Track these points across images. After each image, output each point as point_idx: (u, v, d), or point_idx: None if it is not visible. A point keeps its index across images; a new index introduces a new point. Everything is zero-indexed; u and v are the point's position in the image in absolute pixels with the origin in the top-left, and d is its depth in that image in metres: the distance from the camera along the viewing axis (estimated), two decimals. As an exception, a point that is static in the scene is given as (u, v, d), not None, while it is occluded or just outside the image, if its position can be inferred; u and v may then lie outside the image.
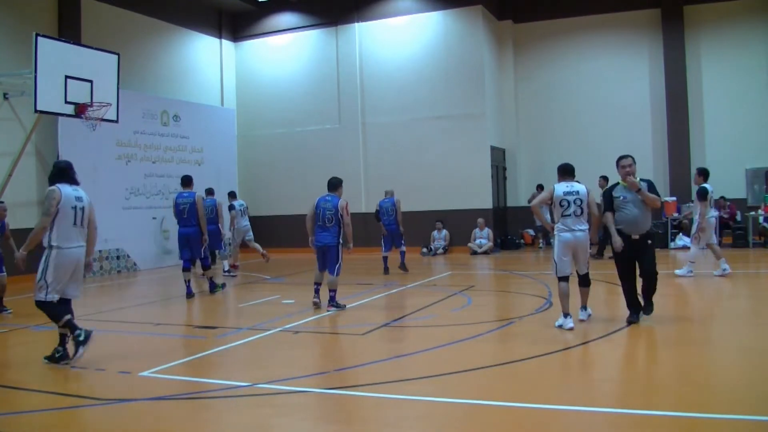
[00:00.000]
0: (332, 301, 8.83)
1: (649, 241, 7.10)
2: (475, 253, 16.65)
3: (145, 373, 5.79)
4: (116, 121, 13.36)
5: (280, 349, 6.82)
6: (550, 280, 11.52)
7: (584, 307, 7.51)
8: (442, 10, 17.82)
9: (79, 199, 6.24)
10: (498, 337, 7.03)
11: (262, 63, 20.03)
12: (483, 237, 16.89)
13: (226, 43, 19.98)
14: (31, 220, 13.77)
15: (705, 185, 11.09)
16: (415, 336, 7.38)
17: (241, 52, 20.28)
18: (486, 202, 17.46)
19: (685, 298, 9.48)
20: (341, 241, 8.84)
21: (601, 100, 18.17)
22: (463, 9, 17.58)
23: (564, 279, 7.19)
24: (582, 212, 7.25)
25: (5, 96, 13.18)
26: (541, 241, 18.03)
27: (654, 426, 4.19)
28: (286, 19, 19.67)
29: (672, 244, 15.91)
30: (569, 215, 7.19)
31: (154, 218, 16.02)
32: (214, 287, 11.05)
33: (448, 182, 17.52)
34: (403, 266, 13.20)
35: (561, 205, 7.26)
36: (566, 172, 7.51)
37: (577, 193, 7.31)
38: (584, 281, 7.38)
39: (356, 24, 18.69)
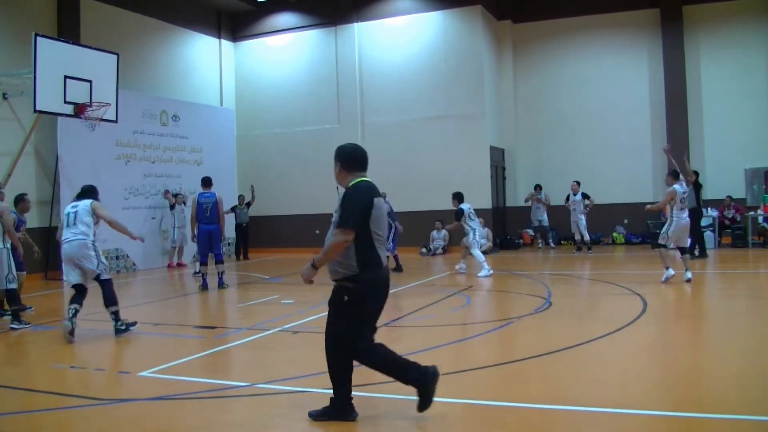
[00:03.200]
0: None
1: (346, 298, 4.24)
2: (474, 253, 16.62)
3: (144, 373, 5.79)
4: (115, 121, 13.35)
5: (280, 349, 6.82)
6: (549, 280, 11.55)
7: (687, 270, 10.14)
8: (441, 10, 17.81)
9: None
10: (497, 337, 7.03)
11: (261, 63, 20.03)
12: (482, 237, 16.84)
13: (226, 43, 19.97)
14: (31, 220, 13.77)
15: (462, 206, 12.73)
16: (414, 336, 7.38)
17: (240, 52, 20.28)
18: (485, 202, 17.45)
19: (683, 299, 9.48)
20: None
21: (601, 100, 18.18)
22: (462, 9, 17.57)
23: (671, 249, 10.43)
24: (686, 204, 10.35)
25: (5, 96, 13.17)
26: (540, 241, 18.04)
27: (654, 426, 4.19)
28: (285, 19, 19.66)
29: (671, 244, 15.88)
30: (684, 207, 10.29)
31: (153, 218, 16.02)
32: (222, 283, 11.68)
33: (447, 182, 17.46)
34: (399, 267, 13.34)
35: (681, 201, 10.24)
36: (678, 175, 10.59)
37: (684, 191, 10.31)
38: (684, 251, 10.41)
39: (355, 24, 18.69)
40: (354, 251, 4.14)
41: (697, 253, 13.53)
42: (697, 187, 13.76)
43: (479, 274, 12.02)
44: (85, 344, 7.63)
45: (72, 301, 7.48)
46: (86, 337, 7.88)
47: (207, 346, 7.01)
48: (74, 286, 7.63)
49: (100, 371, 6.03)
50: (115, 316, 7.63)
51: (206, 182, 11.75)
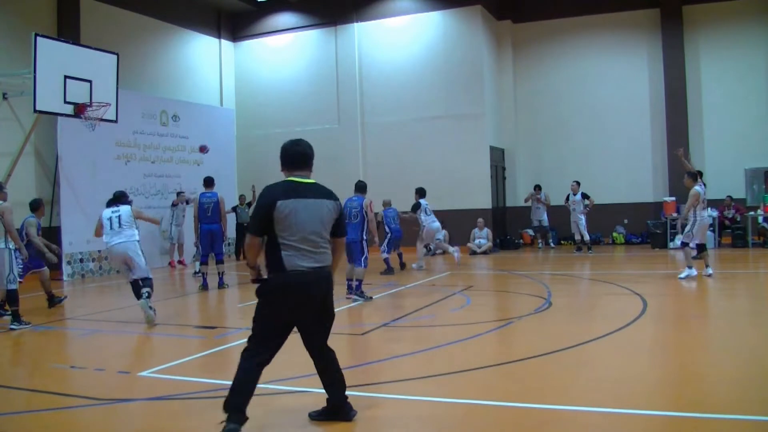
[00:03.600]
0: (357, 290, 9.63)
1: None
2: (474, 253, 16.65)
3: (144, 373, 5.79)
4: (115, 121, 13.35)
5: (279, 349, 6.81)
6: (549, 280, 11.55)
7: (708, 266, 10.75)
8: (441, 10, 17.82)
9: None
10: (497, 337, 7.03)
11: (261, 63, 20.03)
12: (482, 237, 16.88)
13: (225, 43, 19.97)
14: (30, 220, 13.77)
15: (420, 200, 13.51)
16: (414, 336, 7.38)
17: (240, 52, 20.27)
18: (485, 202, 17.46)
19: (683, 299, 9.49)
20: (365, 237, 9.75)
21: (600, 99, 18.18)
22: (462, 9, 17.58)
23: (697, 247, 10.83)
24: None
25: (4, 96, 13.16)
26: (540, 241, 18.04)
27: (654, 426, 4.20)
28: (285, 19, 19.66)
29: (671, 244, 15.93)
30: (706, 207, 10.90)
31: (152, 218, 16.00)
32: (222, 283, 11.75)
33: (447, 182, 17.51)
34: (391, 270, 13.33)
35: (703, 201, 10.72)
36: (696, 176, 10.96)
37: (704, 192, 10.81)
38: (702, 248, 10.93)
39: (355, 24, 18.69)
40: (263, 254, 4.19)
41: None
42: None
43: (413, 266, 13.59)
44: (85, 344, 7.63)
45: (142, 287, 8.26)
46: (86, 337, 7.89)
47: (207, 346, 7.01)
48: (131, 283, 8.42)
49: (99, 371, 6.02)
50: (148, 293, 8.14)
51: (208, 182, 11.78)
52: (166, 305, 10.64)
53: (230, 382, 5.50)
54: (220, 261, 11.76)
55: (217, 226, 11.49)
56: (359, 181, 10.54)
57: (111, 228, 8.32)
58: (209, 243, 11.55)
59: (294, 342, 7.15)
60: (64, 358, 7.01)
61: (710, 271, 10.73)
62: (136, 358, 6.71)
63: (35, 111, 11.79)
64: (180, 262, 16.15)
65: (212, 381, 5.53)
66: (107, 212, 8.44)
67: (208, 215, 11.45)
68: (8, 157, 12.89)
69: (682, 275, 10.55)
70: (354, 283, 9.69)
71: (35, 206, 9.80)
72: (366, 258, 9.74)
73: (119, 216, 8.35)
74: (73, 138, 13.79)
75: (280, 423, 4.54)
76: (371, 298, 9.73)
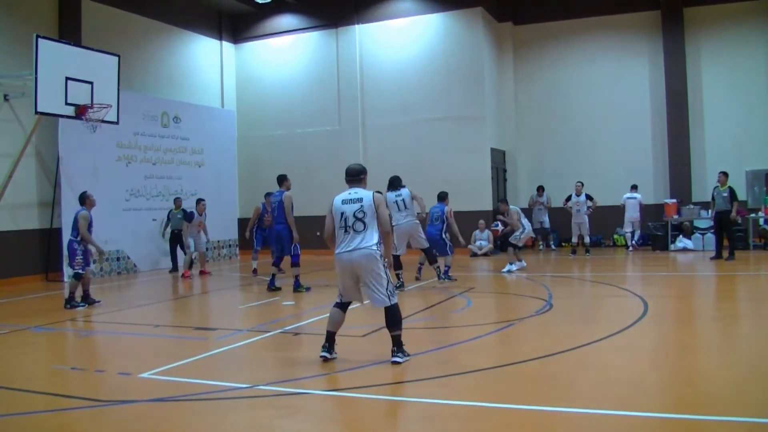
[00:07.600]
0: (444, 274, 11.45)
1: None
2: (475, 254, 16.65)
3: (145, 375, 5.78)
4: (116, 123, 13.35)
5: (281, 351, 6.82)
6: (549, 282, 11.54)
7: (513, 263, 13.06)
8: (442, 12, 17.82)
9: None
10: (498, 339, 7.02)
11: (262, 64, 20.04)
12: (483, 239, 16.88)
13: (226, 45, 19.99)
14: (32, 222, 13.79)
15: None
16: (415, 338, 7.36)
17: (241, 53, 20.29)
18: (486, 203, 17.45)
19: (684, 301, 9.48)
20: (445, 235, 11.73)
21: (601, 101, 18.18)
22: (463, 11, 17.58)
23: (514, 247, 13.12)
24: None
25: (5, 97, 13.17)
26: (540, 243, 18.03)
27: (655, 428, 4.19)
28: (286, 20, 19.68)
29: (672, 246, 15.92)
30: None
31: (154, 220, 15.99)
32: (298, 285, 11.03)
33: (448, 184, 17.35)
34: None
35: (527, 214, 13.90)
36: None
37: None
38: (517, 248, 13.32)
39: (356, 26, 18.70)
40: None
41: (726, 255, 13.57)
42: (731, 190, 13.70)
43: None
44: (85, 345, 7.63)
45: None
46: (87, 338, 7.89)
47: (207, 348, 7.00)
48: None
49: (99, 372, 6.02)
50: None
51: (279, 180, 11.30)
52: (167, 306, 10.65)
53: (231, 384, 5.49)
54: (295, 263, 11.17)
55: (283, 226, 10.98)
56: (441, 191, 12.36)
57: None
58: (277, 244, 11.15)
59: (295, 344, 7.17)
60: (64, 359, 7.01)
61: (514, 267, 12.86)
62: (137, 360, 6.70)
63: (36, 112, 11.78)
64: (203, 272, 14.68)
65: (213, 383, 5.52)
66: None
67: (275, 215, 11.13)
68: (9, 158, 12.90)
69: (505, 270, 12.80)
70: (443, 268, 11.51)
71: (81, 200, 10.45)
72: (451, 247, 11.71)
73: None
74: (74, 139, 13.80)
75: (281, 425, 4.54)
76: (445, 280, 11.31)
